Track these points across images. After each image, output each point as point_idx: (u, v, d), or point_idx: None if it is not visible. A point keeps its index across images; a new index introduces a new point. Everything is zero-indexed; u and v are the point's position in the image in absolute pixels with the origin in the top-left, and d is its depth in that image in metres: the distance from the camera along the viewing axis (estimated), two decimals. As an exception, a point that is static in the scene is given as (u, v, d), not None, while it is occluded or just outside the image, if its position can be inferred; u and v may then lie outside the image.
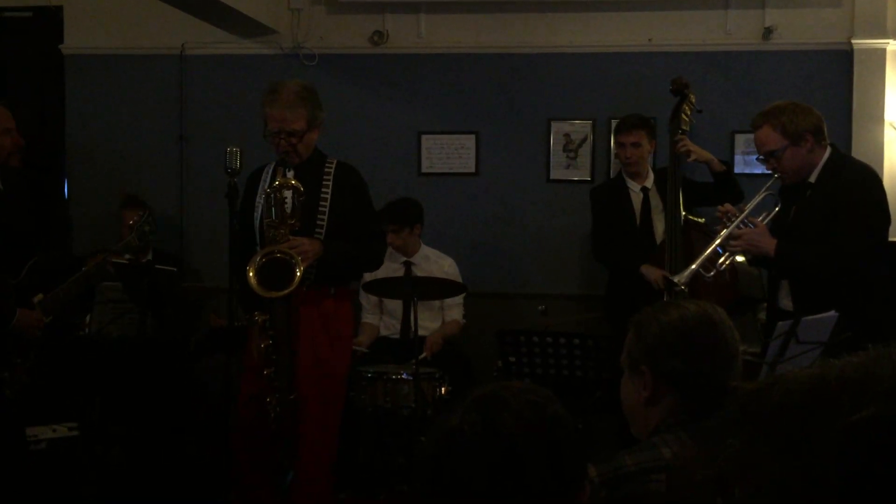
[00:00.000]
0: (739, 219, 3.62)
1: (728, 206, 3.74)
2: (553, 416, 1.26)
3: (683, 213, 4.36)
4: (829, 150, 3.58)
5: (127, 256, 4.11)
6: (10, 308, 3.56)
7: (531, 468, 1.21)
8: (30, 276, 3.69)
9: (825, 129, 3.58)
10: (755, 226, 3.61)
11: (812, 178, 3.58)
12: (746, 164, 5.28)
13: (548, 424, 1.24)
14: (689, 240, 4.31)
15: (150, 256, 4.99)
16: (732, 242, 3.63)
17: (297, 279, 3.46)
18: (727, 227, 3.63)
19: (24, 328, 3.60)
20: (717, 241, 3.70)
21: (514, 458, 1.21)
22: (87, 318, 4.47)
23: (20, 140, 3.82)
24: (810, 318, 3.11)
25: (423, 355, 4.56)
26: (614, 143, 4.75)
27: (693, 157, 4.38)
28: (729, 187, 4.42)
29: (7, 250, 3.60)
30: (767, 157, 3.59)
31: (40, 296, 3.70)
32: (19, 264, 3.66)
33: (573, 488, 1.26)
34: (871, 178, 3.67)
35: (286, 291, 3.47)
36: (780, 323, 3.09)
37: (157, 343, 4.35)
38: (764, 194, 3.69)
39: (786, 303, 3.61)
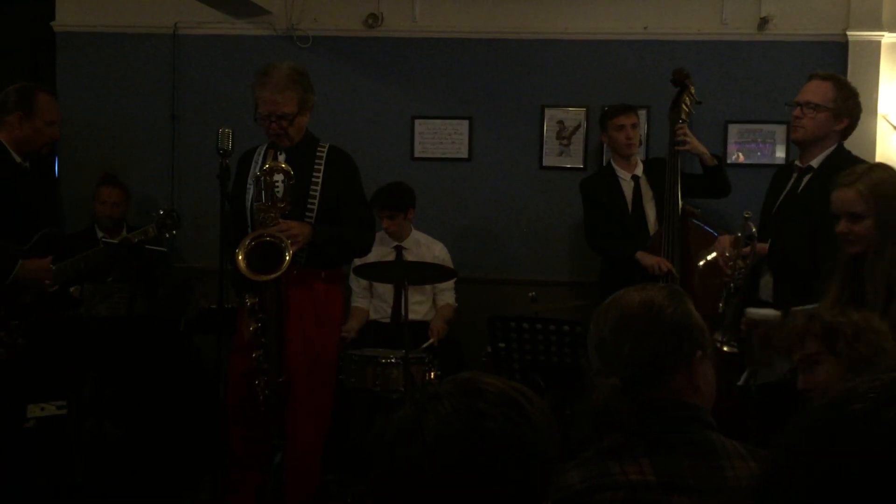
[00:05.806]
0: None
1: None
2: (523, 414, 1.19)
3: (681, 204, 4.37)
4: (837, 143, 3.71)
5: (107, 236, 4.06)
6: (9, 260, 3.55)
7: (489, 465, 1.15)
8: (38, 245, 3.71)
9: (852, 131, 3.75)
10: (747, 256, 3.52)
11: (815, 163, 3.67)
12: (740, 154, 5.29)
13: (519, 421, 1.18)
14: (686, 228, 4.33)
15: (124, 233, 4.96)
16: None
17: (286, 263, 3.46)
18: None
19: (31, 277, 3.58)
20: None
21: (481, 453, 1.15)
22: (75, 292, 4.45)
23: (58, 135, 3.89)
24: (798, 308, 3.13)
25: (431, 341, 4.59)
26: (612, 127, 4.70)
27: (688, 146, 4.42)
28: (717, 181, 4.49)
29: (25, 224, 3.68)
30: (804, 106, 3.65)
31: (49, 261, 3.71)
32: (30, 237, 3.71)
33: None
34: None
35: (275, 275, 3.47)
36: (751, 309, 3.14)
37: (147, 322, 4.34)
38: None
39: (767, 294, 3.65)
